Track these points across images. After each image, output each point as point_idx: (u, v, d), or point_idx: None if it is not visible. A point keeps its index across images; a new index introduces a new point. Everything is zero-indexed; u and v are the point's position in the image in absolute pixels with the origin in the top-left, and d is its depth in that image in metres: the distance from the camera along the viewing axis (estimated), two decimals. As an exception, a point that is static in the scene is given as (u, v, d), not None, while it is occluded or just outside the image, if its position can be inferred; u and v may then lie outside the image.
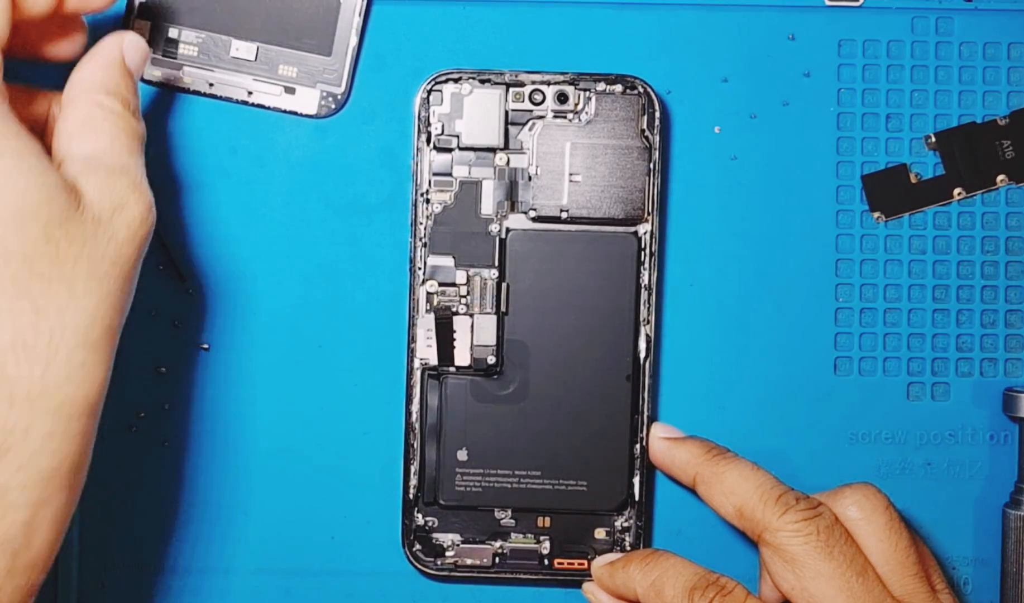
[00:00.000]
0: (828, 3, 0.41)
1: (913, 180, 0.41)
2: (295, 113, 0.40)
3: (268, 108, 0.40)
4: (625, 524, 0.39)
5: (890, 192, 0.41)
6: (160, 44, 0.39)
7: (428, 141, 0.39)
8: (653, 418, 0.40)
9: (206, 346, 0.41)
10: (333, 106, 0.40)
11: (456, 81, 0.39)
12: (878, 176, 0.41)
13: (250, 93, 0.40)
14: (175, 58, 0.40)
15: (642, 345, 0.39)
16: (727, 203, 0.41)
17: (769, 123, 0.41)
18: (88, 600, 0.41)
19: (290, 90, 0.40)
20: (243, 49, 0.39)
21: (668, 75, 0.41)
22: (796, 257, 0.41)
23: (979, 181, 0.41)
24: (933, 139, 0.41)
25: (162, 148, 0.40)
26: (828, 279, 0.41)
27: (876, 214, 0.41)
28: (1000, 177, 0.41)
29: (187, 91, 0.40)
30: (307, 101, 0.40)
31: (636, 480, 0.39)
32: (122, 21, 0.39)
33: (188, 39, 0.39)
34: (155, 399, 0.41)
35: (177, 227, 0.40)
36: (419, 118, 0.39)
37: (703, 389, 0.41)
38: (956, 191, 0.41)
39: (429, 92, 0.39)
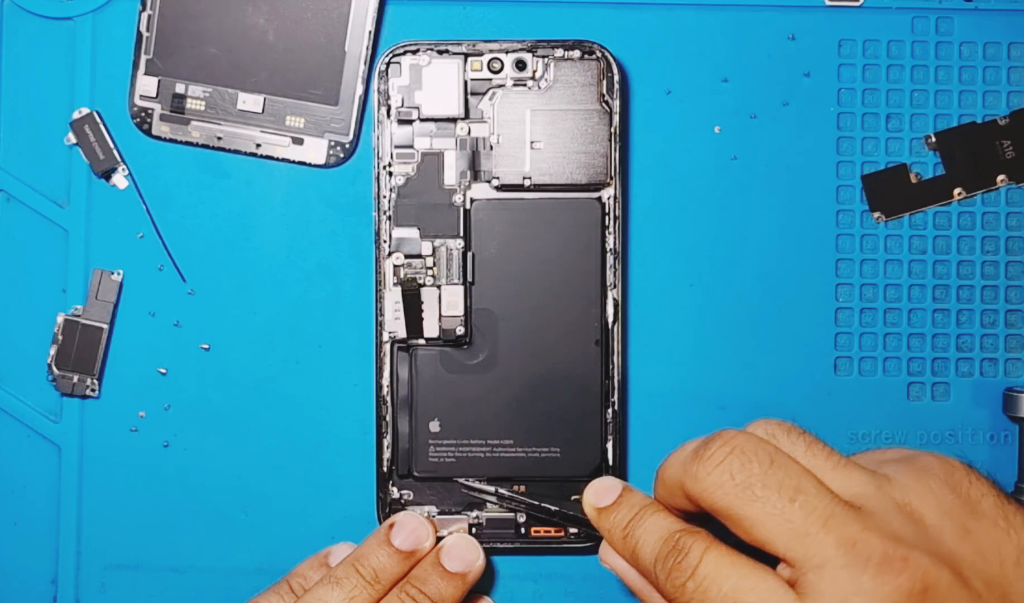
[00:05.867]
0: (828, 3, 0.41)
1: (913, 180, 0.41)
2: (304, 163, 0.40)
3: (277, 159, 0.40)
4: None
5: (890, 192, 0.41)
6: (168, 100, 0.40)
7: (388, 114, 0.39)
8: (624, 382, 0.39)
9: (206, 346, 0.41)
10: (341, 155, 0.40)
11: (414, 53, 0.39)
12: (878, 176, 0.41)
13: (258, 145, 0.40)
14: (183, 113, 0.40)
15: (610, 310, 0.39)
16: (727, 203, 0.41)
17: (769, 123, 0.41)
18: (88, 600, 0.41)
19: (298, 141, 0.40)
20: (250, 101, 0.40)
21: (668, 75, 0.41)
22: (796, 257, 0.41)
23: (979, 181, 0.41)
24: (933, 139, 0.41)
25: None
26: (828, 279, 0.41)
27: (876, 214, 0.41)
28: (1000, 177, 0.41)
29: (196, 145, 0.40)
30: (315, 151, 0.40)
31: (609, 445, 0.39)
32: (130, 78, 0.40)
33: (195, 94, 0.40)
34: (155, 399, 0.41)
35: (177, 228, 0.41)
36: (379, 91, 0.39)
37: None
38: (956, 191, 0.41)
39: (388, 64, 0.39)
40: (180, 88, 0.40)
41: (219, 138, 0.40)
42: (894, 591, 0.27)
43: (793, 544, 0.28)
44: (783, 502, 0.28)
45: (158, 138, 0.40)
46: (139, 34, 0.40)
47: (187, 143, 0.40)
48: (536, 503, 0.38)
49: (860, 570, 0.27)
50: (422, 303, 0.39)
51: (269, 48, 0.40)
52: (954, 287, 0.41)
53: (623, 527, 0.33)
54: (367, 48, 0.40)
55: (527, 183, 0.39)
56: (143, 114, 0.40)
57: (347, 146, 0.40)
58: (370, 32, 0.40)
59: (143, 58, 0.40)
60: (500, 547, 0.39)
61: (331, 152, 0.40)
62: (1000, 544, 0.29)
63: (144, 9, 0.40)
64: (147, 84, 0.40)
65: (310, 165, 0.40)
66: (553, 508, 0.38)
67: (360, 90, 0.40)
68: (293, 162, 0.40)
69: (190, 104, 0.40)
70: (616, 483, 0.35)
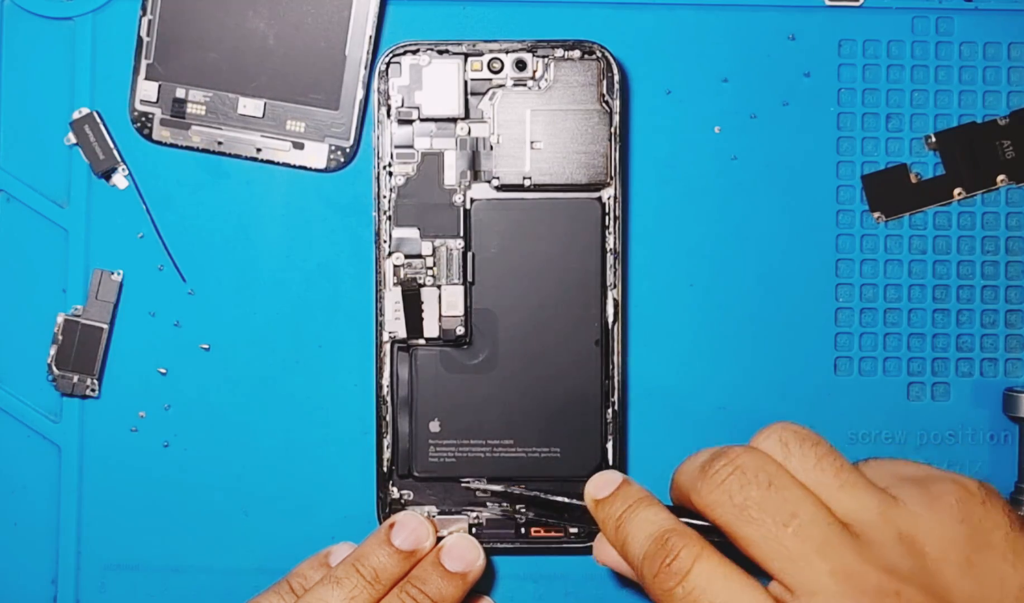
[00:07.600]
0: (828, 3, 0.41)
1: (913, 180, 0.41)
2: (304, 168, 0.40)
3: (277, 164, 0.40)
4: None
5: (890, 192, 0.41)
6: (168, 105, 0.40)
7: (388, 114, 0.39)
8: (623, 382, 0.39)
9: (206, 346, 0.41)
10: (342, 159, 0.40)
11: (414, 53, 0.39)
12: (878, 176, 0.41)
13: (259, 150, 0.40)
14: (183, 118, 0.40)
15: (610, 310, 0.39)
16: (727, 203, 0.41)
17: (769, 123, 0.41)
18: (88, 600, 0.41)
19: (298, 145, 0.40)
20: (250, 106, 0.39)
21: (668, 75, 0.41)
22: (796, 257, 0.41)
23: (979, 181, 0.41)
24: (933, 139, 0.41)
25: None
26: (828, 279, 0.41)
27: (876, 214, 0.41)
28: (1000, 177, 0.41)
29: (196, 150, 0.40)
30: (316, 155, 0.40)
31: (609, 445, 0.39)
32: (130, 83, 0.40)
33: (196, 98, 0.40)
34: (155, 399, 0.41)
35: (177, 228, 0.41)
36: (379, 91, 0.39)
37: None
38: (956, 191, 0.41)
39: (388, 64, 0.39)
40: (180, 93, 0.40)
41: (220, 143, 0.40)
42: None
43: (787, 567, 0.28)
44: (777, 527, 0.29)
45: (159, 143, 0.40)
46: (139, 39, 0.40)
47: (188, 148, 0.40)
48: (532, 494, 0.38)
49: (853, 600, 0.28)
50: (422, 303, 0.39)
51: (269, 52, 0.40)
52: (954, 287, 0.41)
53: (616, 518, 0.33)
54: (367, 52, 0.40)
55: (527, 183, 0.39)
56: (143, 119, 0.40)
57: (347, 150, 0.40)
58: (370, 36, 0.40)
59: (143, 63, 0.40)
60: (500, 547, 0.39)
61: (331, 156, 0.40)
62: (1004, 577, 0.29)
63: (144, 14, 0.40)
64: (147, 89, 0.40)
65: (310, 169, 0.40)
66: (553, 497, 0.38)
67: (360, 94, 0.40)
68: (294, 166, 0.40)
69: (190, 109, 0.40)
70: (616, 476, 0.35)
